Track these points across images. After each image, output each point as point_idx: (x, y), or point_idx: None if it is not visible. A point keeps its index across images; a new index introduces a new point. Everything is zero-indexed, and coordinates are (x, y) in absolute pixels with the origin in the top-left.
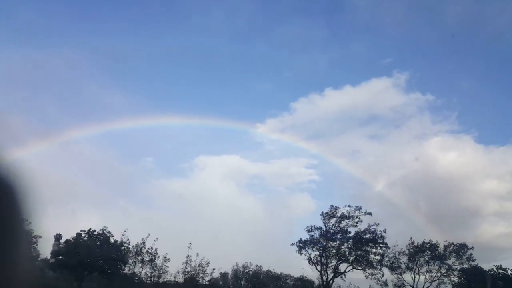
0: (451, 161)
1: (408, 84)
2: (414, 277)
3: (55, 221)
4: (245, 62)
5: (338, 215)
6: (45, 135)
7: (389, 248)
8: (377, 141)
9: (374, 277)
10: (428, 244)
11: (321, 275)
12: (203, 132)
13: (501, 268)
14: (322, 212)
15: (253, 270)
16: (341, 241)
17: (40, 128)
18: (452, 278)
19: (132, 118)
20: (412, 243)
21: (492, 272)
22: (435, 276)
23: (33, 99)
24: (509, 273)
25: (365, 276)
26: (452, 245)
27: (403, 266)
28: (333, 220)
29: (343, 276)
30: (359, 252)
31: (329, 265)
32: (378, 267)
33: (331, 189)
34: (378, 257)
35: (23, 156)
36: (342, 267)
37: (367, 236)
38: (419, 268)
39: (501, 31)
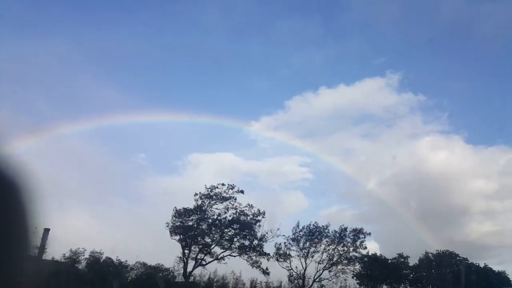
0: (441, 160)
1: (400, 84)
2: (306, 265)
3: (43, 216)
4: (241, 60)
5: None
6: (34, 130)
7: (262, 233)
8: (370, 140)
9: (256, 265)
10: (314, 226)
11: (184, 263)
12: (197, 129)
13: (402, 256)
14: (196, 193)
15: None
16: (210, 225)
17: (29, 122)
18: (352, 267)
19: (125, 114)
20: (298, 226)
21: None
22: (330, 263)
23: (21, 93)
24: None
25: (249, 264)
26: (347, 229)
27: (294, 253)
28: (207, 201)
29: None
30: (227, 236)
31: (193, 250)
32: (253, 253)
33: (323, 187)
34: (256, 242)
35: (11, 151)
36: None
37: (241, 219)
38: (312, 255)
39: (494, 32)
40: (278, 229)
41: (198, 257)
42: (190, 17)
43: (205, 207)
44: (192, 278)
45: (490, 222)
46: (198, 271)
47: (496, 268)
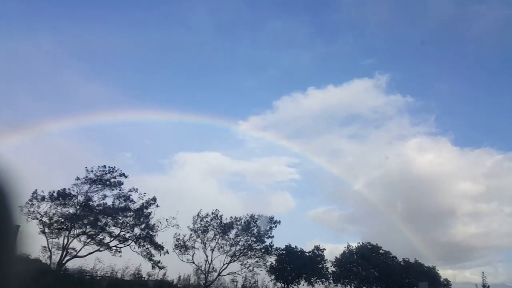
0: (428, 162)
1: (388, 86)
2: (211, 258)
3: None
4: (229, 59)
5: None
6: (18, 127)
7: (154, 222)
8: (357, 141)
9: (148, 257)
10: (212, 217)
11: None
12: (184, 128)
13: (319, 249)
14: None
15: None
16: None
17: (12, 119)
18: (263, 260)
19: (111, 112)
20: (199, 215)
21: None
22: (237, 254)
23: (4, 89)
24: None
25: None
26: (254, 216)
27: (198, 245)
28: (86, 187)
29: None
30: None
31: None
32: (147, 244)
33: (311, 188)
34: (145, 232)
35: None
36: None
37: (124, 206)
38: (218, 246)
39: (482, 34)
40: (174, 218)
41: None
42: (179, 16)
43: (84, 192)
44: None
45: (476, 223)
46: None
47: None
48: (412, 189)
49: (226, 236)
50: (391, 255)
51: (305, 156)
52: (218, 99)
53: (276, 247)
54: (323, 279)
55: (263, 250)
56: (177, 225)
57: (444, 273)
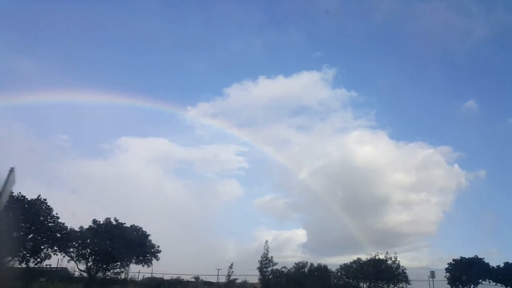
0: (367, 154)
1: (335, 80)
2: None
3: None
4: (178, 39)
5: None
6: None
7: None
8: (304, 131)
9: None
10: None
11: None
12: (128, 112)
13: None
14: None
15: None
16: None
17: None
18: None
19: (46, 91)
20: None
21: None
22: None
23: None
24: None
25: None
26: None
27: None
28: None
29: None
30: None
31: None
32: None
33: (259, 176)
34: None
35: None
36: None
37: None
38: None
39: (422, 33)
40: None
41: None
42: None
43: None
44: None
45: (406, 212)
46: None
47: None
48: (351, 179)
49: None
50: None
51: (253, 145)
52: (166, 82)
53: None
54: None
55: None
56: None
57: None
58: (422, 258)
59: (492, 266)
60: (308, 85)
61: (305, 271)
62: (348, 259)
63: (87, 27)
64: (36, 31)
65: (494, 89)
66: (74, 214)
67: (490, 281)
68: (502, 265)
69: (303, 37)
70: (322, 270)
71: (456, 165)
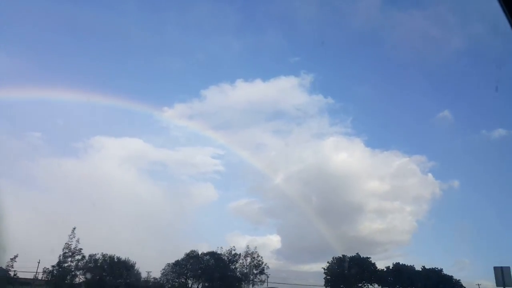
0: (342, 160)
1: (312, 86)
2: None
3: None
4: (155, 38)
5: None
6: None
7: None
8: (280, 136)
9: None
10: None
11: None
12: (102, 110)
13: None
14: None
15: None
16: None
17: None
18: None
19: (19, 87)
20: None
21: None
22: None
23: None
24: None
25: None
26: None
27: None
28: None
29: None
30: None
31: None
32: None
33: (234, 180)
34: None
35: None
36: None
37: None
38: None
39: (399, 41)
40: None
41: None
42: None
43: None
44: None
45: (380, 220)
46: None
47: None
48: (326, 185)
49: None
50: None
51: (229, 148)
52: (142, 82)
53: None
54: None
55: None
56: None
57: None
58: None
59: (381, 269)
60: (286, 90)
61: None
62: (322, 266)
63: (63, 25)
64: (9, 26)
65: (469, 100)
66: (44, 214)
67: (375, 284)
68: (391, 266)
69: (280, 41)
70: None
71: (430, 175)
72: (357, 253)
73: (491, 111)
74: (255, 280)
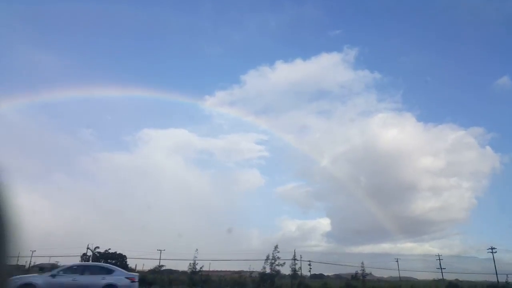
0: (392, 138)
1: (357, 61)
2: None
3: None
4: (190, 25)
5: None
6: None
7: None
8: (324, 117)
9: None
10: None
11: None
12: (147, 104)
13: None
14: None
15: None
16: None
17: None
18: None
19: (68, 88)
20: None
21: None
22: None
23: None
24: None
25: None
26: None
27: None
28: None
29: None
30: None
31: None
32: None
33: (279, 165)
34: None
35: None
36: None
37: None
38: None
39: (453, 1)
40: None
41: None
42: None
43: None
44: None
45: (435, 198)
46: None
47: None
48: (375, 165)
49: None
50: None
51: (273, 132)
52: (182, 71)
53: None
54: None
55: None
56: None
57: (404, 246)
58: (453, 246)
59: None
60: (328, 67)
61: None
62: (374, 248)
63: (101, 24)
64: (53, 26)
65: None
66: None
67: None
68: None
69: (320, 13)
70: None
71: (488, 147)
72: None
73: None
74: None
